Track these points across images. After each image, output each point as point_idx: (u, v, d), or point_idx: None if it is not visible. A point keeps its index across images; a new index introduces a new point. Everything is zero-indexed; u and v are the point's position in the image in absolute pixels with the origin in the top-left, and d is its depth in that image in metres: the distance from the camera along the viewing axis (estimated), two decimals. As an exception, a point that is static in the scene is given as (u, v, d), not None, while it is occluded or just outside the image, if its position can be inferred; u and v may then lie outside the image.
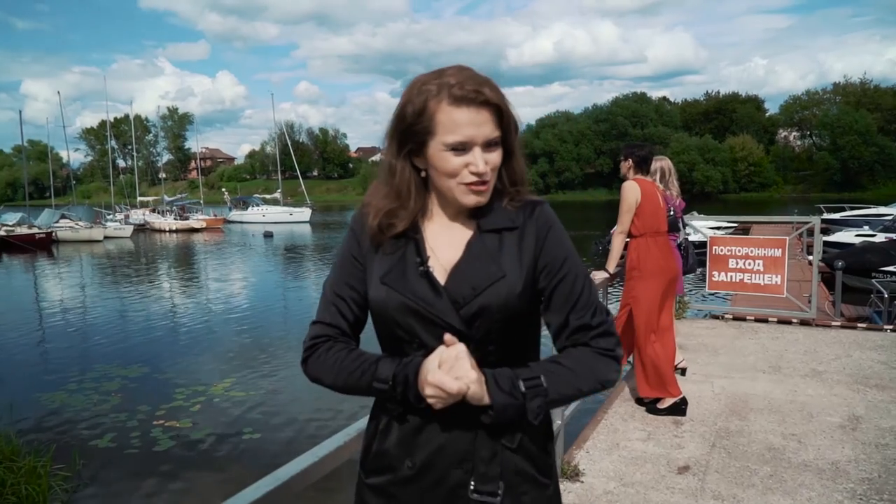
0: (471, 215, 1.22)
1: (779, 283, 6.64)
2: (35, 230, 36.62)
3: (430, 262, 1.19)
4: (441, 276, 1.17)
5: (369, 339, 1.28)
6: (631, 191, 4.02)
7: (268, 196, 60.07)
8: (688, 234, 5.21)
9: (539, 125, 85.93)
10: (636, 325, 4.03)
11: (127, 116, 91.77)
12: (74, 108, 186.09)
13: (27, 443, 7.07)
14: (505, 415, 1.07)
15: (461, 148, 1.12)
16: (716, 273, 6.95)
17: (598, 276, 4.06)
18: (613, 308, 4.59)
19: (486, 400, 1.07)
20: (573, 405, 3.63)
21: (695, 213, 11.68)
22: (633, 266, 4.06)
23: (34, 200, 70.18)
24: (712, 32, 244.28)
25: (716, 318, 7.25)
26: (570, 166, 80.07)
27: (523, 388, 1.08)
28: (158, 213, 49.42)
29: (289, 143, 62.84)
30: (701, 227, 9.74)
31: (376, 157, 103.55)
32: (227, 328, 14.43)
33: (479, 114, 1.11)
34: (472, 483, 1.15)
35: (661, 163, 4.72)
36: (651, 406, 4.13)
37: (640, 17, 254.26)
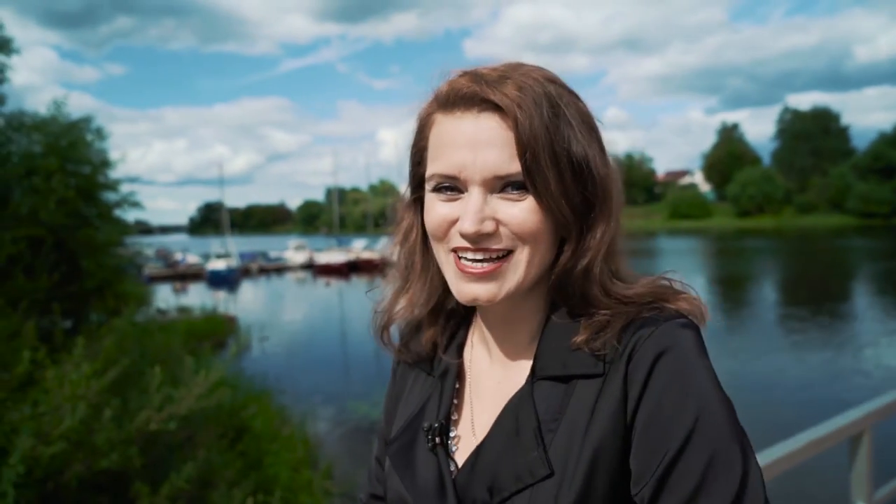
0: (535, 339, 0.73)
1: None
2: (374, 255, 43.60)
3: (460, 428, 0.76)
4: (464, 456, 0.73)
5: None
6: None
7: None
8: None
9: (898, 132, 70.22)
10: None
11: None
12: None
13: (329, 447, 8.07)
14: None
15: (450, 187, 0.68)
16: None
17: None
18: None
19: None
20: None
21: None
22: None
23: (378, 229, 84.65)
24: None
25: None
26: (946, 180, 63.31)
27: None
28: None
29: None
30: None
31: (685, 181, 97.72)
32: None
33: (477, 124, 0.65)
34: None
35: None
36: None
37: None
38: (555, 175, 0.64)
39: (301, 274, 42.88)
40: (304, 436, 7.41)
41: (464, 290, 0.68)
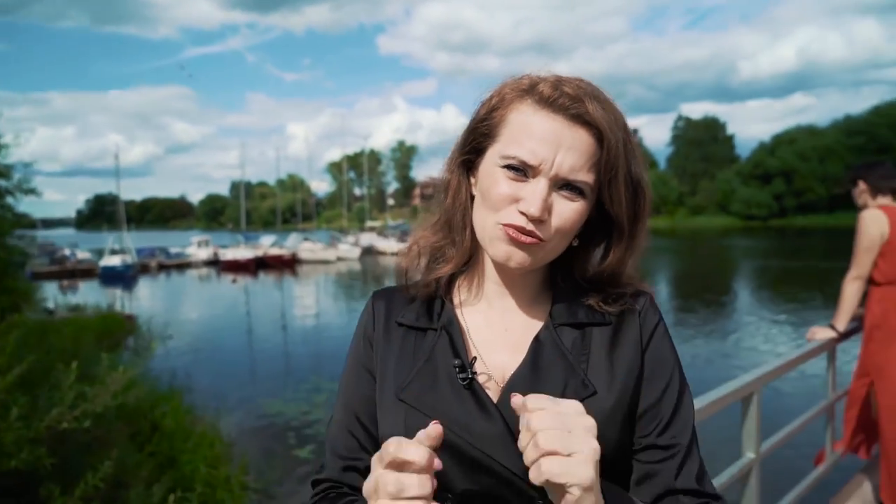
0: (537, 299, 0.89)
1: None
2: (284, 251, 42.52)
3: (476, 367, 0.83)
4: (493, 391, 0.81)
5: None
6: (873, 222, 3.01)
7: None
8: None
9: (775, 141, 77.20)
10: (880, 404, 2.98)
11: (363, 151, 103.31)
12: (324, 144, 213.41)
13: (242, 444, 7.91)
14: None
15: (520, 170, 0.78)
16: None
17: (822, 334, 3.10)
18: (845, 379, 3.50)
19: None
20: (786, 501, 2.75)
21: None
22: (875, 324, 3.03)
23: (287, 225, 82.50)
24: None
25: None
26: (813, 186, 70.28)
27: None
28: (383, 237, 54.18)
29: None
30: None
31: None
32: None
33: (566, 130, 0.77)
34: None
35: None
36: (904, 518, 3.02)
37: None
38: (624, 191, 0.80)
39: (205, 271, 41.07)
40: (216, 434, 7.23)
41: (503, 249, 0.79)
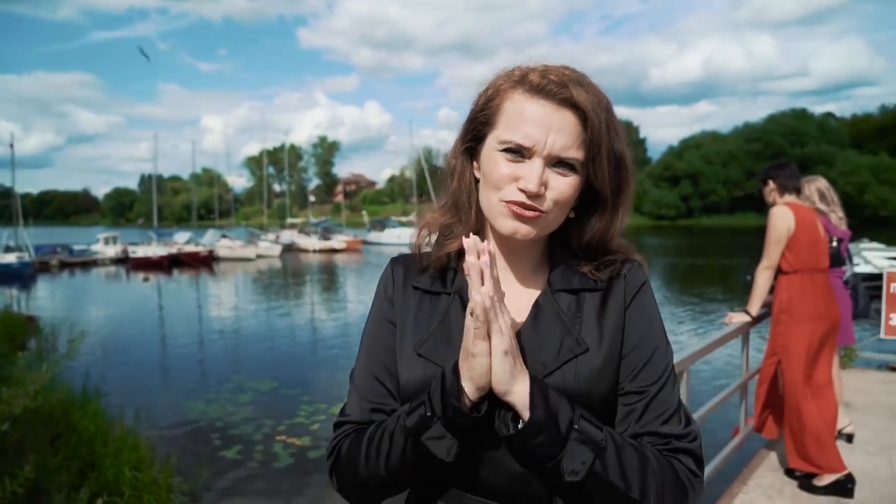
0: (537, 269, 0.98)
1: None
2: (200, 248, 40.78)
3: None
4: None
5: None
6: (782, 217, 3.35)
7: (404, 219, 62.22)
8: (856, 268, 4.31)
9: (682, 146, 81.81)
10: (785, 381, 3.33)
11: (283, 145, 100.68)
12: (242, 138, 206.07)
13: (164, 447, 7.60)
14: (534, 439, 0.78)
15: (517, 152, 0.87)
16: (894, 315, 5.79)
17: (737, 318, 3.41)
18: (756, 359, 3.86)
19: (519, 399, 0.80)
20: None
21: (865, 241, 10.04)
22: (782, 309, 3.37)
23: (203, 221, 79.04)
24: (893, 38, 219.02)
25: (895, 370, 6.02)
26: (717, 189, 75.06)
27: (576, 424, 0.80)
28: (305, 234, 53.00)
29: (425, 167, 64.88)
30: (874, 257, 8.31)
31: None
32: (356, 348, 14.90)
33: (555, 114, 0.86)
34: None
35: (817, 183, 3.96)
36: (805, 482, 3.38)
37: (802, 27, 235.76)
38: (607, 166, 0.89)
39: (112, 269, 38.72)
40: (137, 437, 6.93)
41: (509, 224, 0.88)
